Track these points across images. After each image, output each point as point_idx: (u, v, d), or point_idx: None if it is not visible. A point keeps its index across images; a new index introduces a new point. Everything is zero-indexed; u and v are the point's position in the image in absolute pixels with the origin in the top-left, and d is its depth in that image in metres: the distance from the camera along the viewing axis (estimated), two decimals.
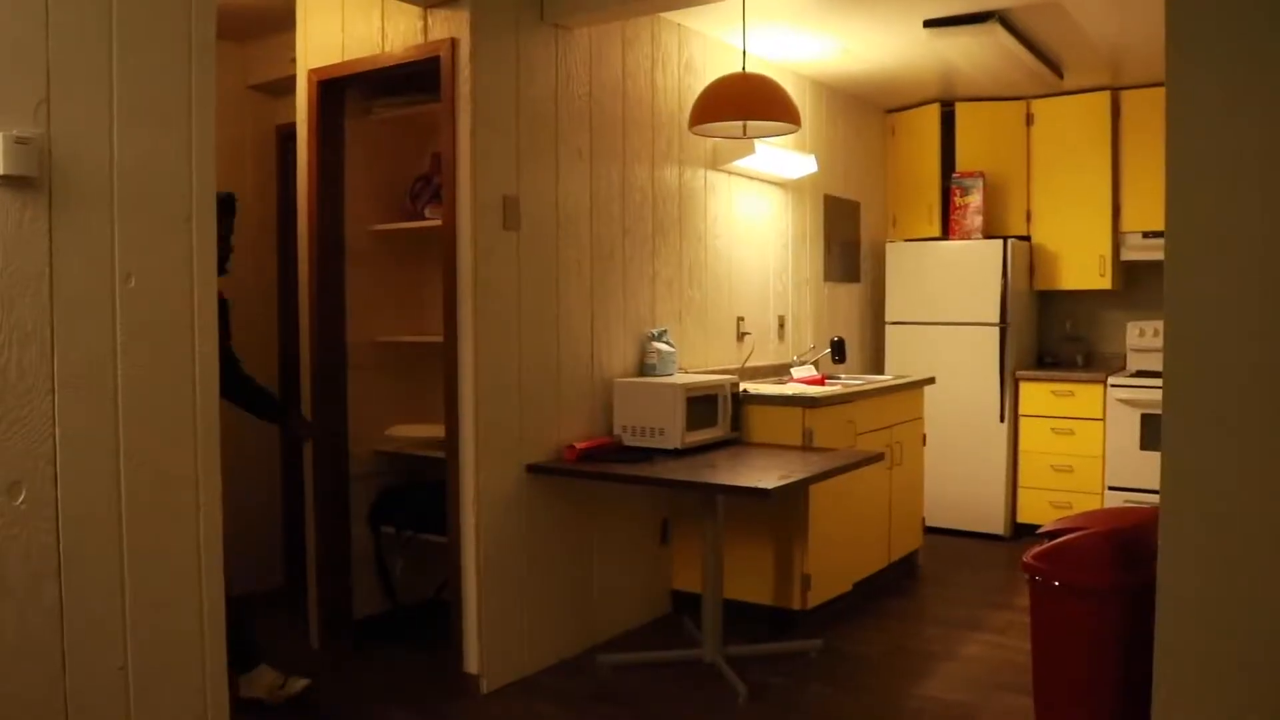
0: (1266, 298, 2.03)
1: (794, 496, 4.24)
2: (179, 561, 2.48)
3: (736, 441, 4.40)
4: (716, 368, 4.90)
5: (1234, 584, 2.08)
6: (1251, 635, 2.07)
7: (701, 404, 4.18)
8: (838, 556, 4.52)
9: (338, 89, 4.19)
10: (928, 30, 4.69)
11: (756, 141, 4.77)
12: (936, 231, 6.34)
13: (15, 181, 2.14)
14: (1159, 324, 2.06)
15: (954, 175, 6.27)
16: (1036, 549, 3.00)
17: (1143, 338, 5.97)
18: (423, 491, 4.25)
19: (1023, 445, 6.03)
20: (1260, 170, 2.04)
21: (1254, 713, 2.07)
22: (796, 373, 5.20)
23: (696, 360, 4.82)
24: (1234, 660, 2.09)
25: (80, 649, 2.27)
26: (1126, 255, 5.99)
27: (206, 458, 2.53)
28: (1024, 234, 6.20)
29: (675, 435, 4.06)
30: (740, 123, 4.18)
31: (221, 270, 2.98)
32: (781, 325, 5.56)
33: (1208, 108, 2.09)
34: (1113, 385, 5.74)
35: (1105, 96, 5.92)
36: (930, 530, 5.82)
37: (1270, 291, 2.03)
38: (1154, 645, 2.16)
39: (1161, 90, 2.15)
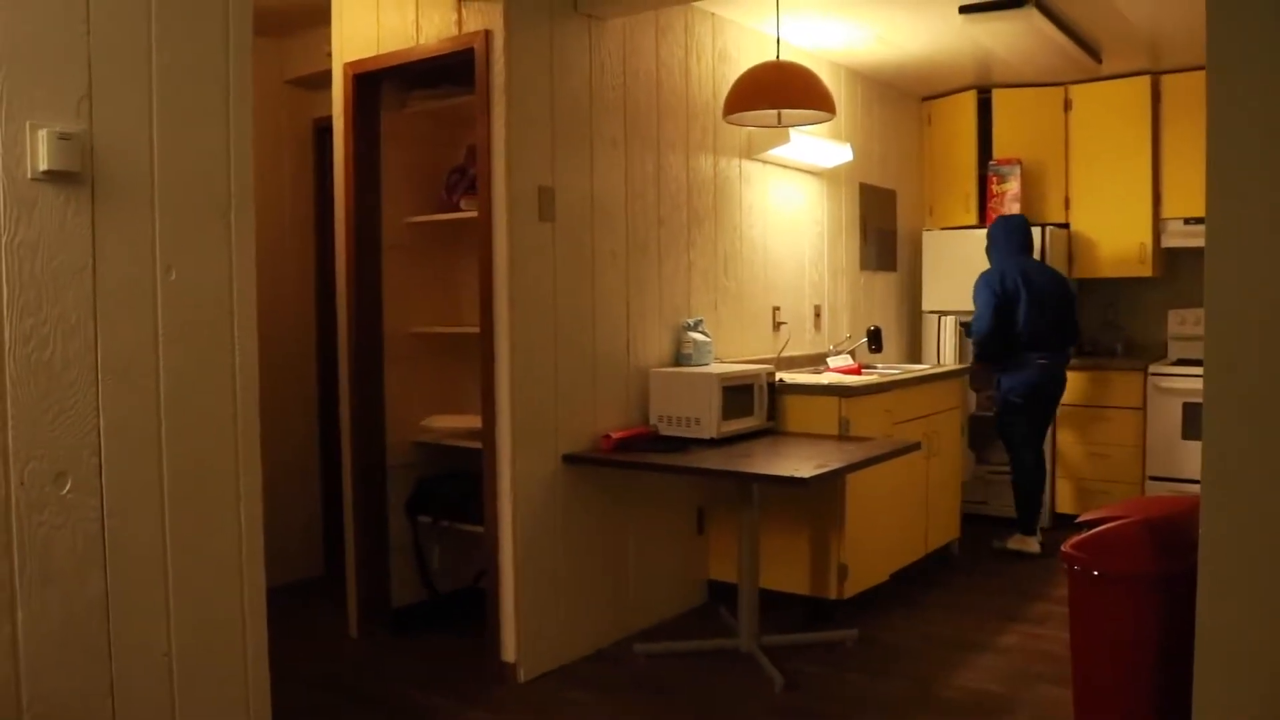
0: None
1: (831, 486, 4.23)
2: (220, 550, 2.52)
3: (772, 431, 4.39)
4: (752, 357, 4.89)
5: (1276, 573, 2.06)
6: None
7: (737, 393, 4.18)
8: (875, 546, 4.50)
9: (373, 82, 4.22)
10: (963, 16, 4.64)
11: (791, 130, 4.75)
12: (974, 219, 6.29)
13: (59, 177, 2.18)
14: (1200, 312, 2.02)
15: (991, 163, 6.21)
16: (1075, 538, 2.97)
17: (1184, 325, 5.90)
18: (459, 481, 4.28)
19: (1060, 434, 5.97)
20: None
21: None
22: (833, 362, 5.18)
23: (732, 350, 4.82)
24: (1276, 648, 2.07)
25: (125, 636, 2.31)
26: (1167, 242, 5.91)
27: (247, 447, 2.57)
28: (1063, 221, 6.13)
29: (711, 425, 4.06)
30: (775, 111, 4.16)
31: None
32: (818, 315, 5.54)
33: (1250, 91, 2.05)
34: (1153, 374, 5.67)
35: (1145, 81, 5.84)
36: (968, 519, 5.78)
37: None
38: (1195, 633, 2.14)
39: (1202, 74, 2.12)
